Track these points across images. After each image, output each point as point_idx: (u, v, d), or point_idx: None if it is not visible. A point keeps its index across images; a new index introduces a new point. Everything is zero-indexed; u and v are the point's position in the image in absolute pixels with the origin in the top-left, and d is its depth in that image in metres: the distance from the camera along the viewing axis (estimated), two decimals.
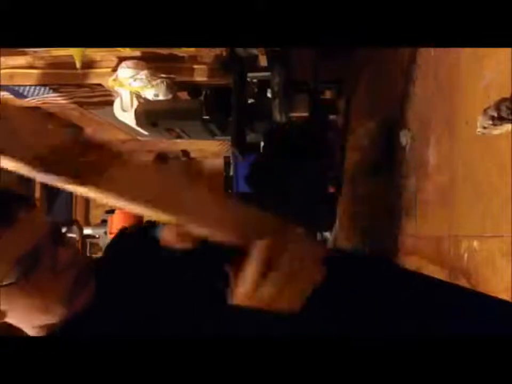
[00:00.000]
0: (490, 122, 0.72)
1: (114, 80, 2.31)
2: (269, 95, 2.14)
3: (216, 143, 3.75)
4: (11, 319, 0.61)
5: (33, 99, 2.75)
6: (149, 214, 0.40)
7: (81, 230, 4.15)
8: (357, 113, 1.94)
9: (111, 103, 2.48)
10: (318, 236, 3.07)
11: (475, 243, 0.85)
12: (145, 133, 2.45)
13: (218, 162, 3.82)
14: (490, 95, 0.76)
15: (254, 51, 2.01)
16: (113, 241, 0.68)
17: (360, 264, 0.71)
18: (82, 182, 0.35)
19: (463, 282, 0.91)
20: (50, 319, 0.60)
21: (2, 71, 2.36)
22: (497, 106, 0.71)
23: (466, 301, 0.67)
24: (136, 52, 2.27)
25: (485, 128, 0.73)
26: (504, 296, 0.73)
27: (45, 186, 4.49)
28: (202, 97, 2.25)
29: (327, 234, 2.87)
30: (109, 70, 2.37)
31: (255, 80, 2.18)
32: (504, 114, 0.70)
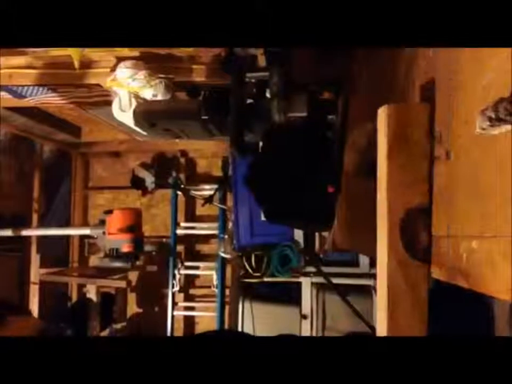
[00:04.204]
0: (488, 123, 0.71)
1: (112, 80, 2.31)
2: (268, 95, 2.14)
3: (215, 143, 3.75)
4: None
5: (32, 99, 2.76)
6: None
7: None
8: (356, 113, 1.94)
9: (109, 103, 2.48)
10: (317, 235, 3.07)
11: (474, 243, 0.85)
12: (144, 133, 2.44)
13: None
14: (490, 95, 0.76)
15: (253, 51, 2.01)
16: None
17: None
18: None
19: (462, 283, 0.91)
20: None
21: (2, 71, 2.36)
22: (495, 107, 0.70)
23: None
24: (135, 52, 2.27)
25: (483, 129, 0.73)
26: (504, 296, 0.73)
27: (43, 187, 4.49)
28: (201, 98, 2.24)
29: (326, 234, 2.87)
30: (108, 70, 2.37)
31: (254, 80, 2.17)
32: (502, 115, 0.70)
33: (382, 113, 1.16)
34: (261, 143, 2.25)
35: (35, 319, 4.05)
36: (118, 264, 2.81)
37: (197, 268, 4.46)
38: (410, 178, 1.10)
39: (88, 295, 4.25)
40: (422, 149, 1.09)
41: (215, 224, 4.24)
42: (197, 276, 4.60)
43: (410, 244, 1.08)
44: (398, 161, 1.11)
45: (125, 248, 2.73)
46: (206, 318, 4.42)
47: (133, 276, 4.52)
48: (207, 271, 4.35)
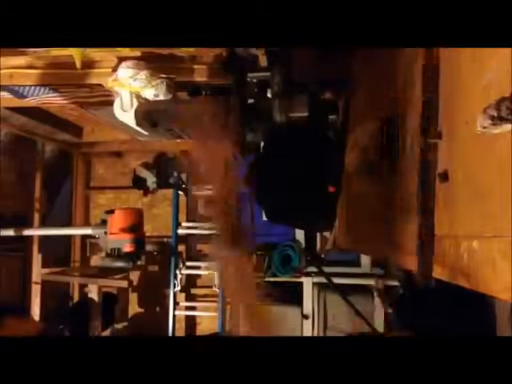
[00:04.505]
0: (490, 121, 0.71)
1: (114, 80, 2.30)
2: (269, 95, 2.14)
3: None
4: None
5: (33, 99, 2.75)
6: None
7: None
8: (357, 113, 1.94)
9: (111, 103, 2.48)
10: (318, 235, 3.08)
11: (475, 243, 0.85)
12: (145, 133, 2.44)
13: None
14: (490, 95, 0.76)
15: (254, 51, 2.01)
16: None
17: None
18: None
19: (462, 283, 0.91)
20: None
21: (2, 71, 2.36)
22: (497, 106, 0.70)
23: None
24: (136, 52, 2.27)
25: (484, 127, 0.73)
26: (504, 296, 0.73)
27: (44, 187, 4.49)
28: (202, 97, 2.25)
29: (327, 234, 2.87)
30: (109, 70, 2.37)
31: (255, 80, 2.17)
32: (504, 114, 0.70)
33: None
34: (262, 143, 2.25)
35: (34, 320, 4.06)
36: (119, 264, 2.81)
37: (198, 267, 4.46)
38: None
39: (89, 295, 4.25)
40: None
41: None
42: (198, 276, 4.60)
43: None
44: None
45: (127, 248, 2.73)
46: (207, 317, 4.42)
47: (135, 275, 4.52)
48: (208, 271, 4.35)
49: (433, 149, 1.08)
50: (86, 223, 4.70)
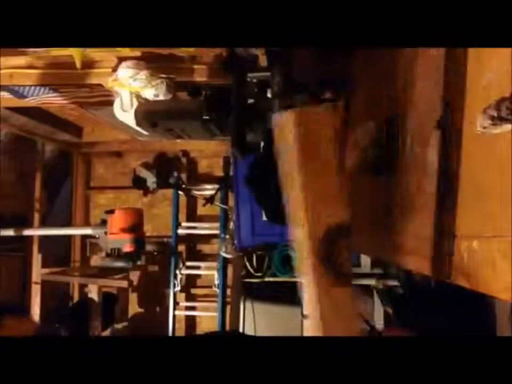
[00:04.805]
0: (490, 122, 0.71)
1: (114, 80, 2.31)
2: (269, 95, 2.14)
3: (216, 143, 3.75)
4: None
5: (33, 99, 2.76)
6: None
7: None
8: (358, 112, 1.94)
9: (111, 103, 2.48)
10: None
11: (475, 243, 0.85)
12: (145, 133, 2.44)
13: None
14: (490, 95, 0.76)
15: (254, 51, 2.01)
16: None
17: None
18: None
19: (463, 283, 0.91)
20: None
21: (2, 71, 2.36)
22: (497, 106, 0.71)
23: None
24: (136, 52, 2.27)
25: (484, 127, 0.73)
26: (504, 296, 0.73)
27: (44, 187, 4.49)
28: (202, 98, 2.24)
29: None
30: (109, 70, 2.37)
31: (255, 80, 2.17)
32: (504, 114, 0.70)
33: (289, 118, 0.97)
34: (262, 143, 2.24)
35: (32, 320, 4.06)
36: (119, 264, 2.82)
37: (198, 267, 4.47)
38: (325, 192, 0.94)
39: (89, 295, 4.25)
40: (334, 158, 0.94)
41: (216, 224, 4.24)
42: (198, 276, 4.61)
43: (332, 265, 0.97)
44: (309, 175, 0.95)
45: (127, 248, 2.73)
46: (207, 317, 4.42)
47: (135, 275, 4.52)
48: (208, 271, 4.36)
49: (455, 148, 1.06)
50: (86, 223, 4.70)
